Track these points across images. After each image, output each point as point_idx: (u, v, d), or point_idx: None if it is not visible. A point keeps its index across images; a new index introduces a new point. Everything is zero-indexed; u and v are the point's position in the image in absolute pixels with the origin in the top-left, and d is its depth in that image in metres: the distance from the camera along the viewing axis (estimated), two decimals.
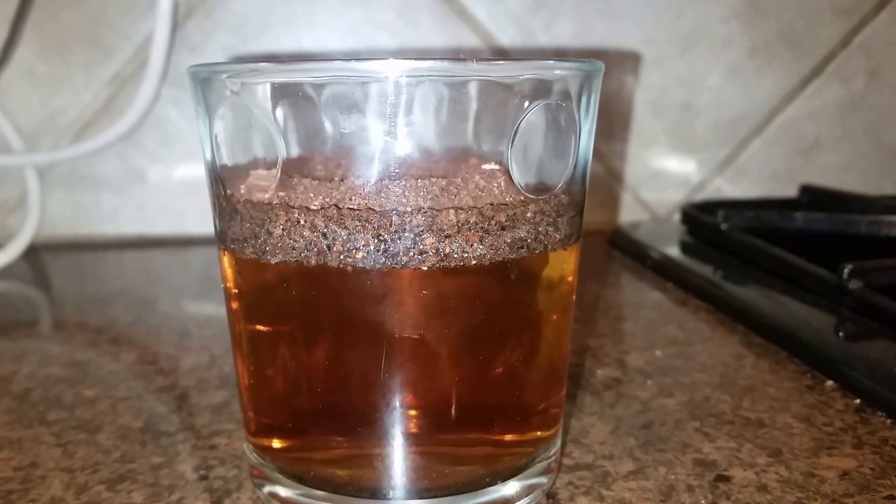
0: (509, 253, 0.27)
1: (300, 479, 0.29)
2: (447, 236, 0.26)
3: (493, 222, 0.27)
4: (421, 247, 0.26)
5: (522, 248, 0.28)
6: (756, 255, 0.59)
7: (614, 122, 0.78)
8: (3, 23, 0.70)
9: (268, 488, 0.31)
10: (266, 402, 0.31)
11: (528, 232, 0.28)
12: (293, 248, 0.27)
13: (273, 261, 0.27)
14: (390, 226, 0.26)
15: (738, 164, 0.81)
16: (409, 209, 0.26)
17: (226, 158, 0.29)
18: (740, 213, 0.65)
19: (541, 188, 0.28)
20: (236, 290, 0.30)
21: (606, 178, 0.79)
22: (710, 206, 0.68)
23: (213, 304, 0.57)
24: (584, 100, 0.29)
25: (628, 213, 0.81)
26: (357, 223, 0.26)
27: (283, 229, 0.27)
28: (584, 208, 0.31)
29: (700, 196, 0.80)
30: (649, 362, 0.45)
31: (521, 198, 0.28)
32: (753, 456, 0.35)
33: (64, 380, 0.43)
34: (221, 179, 0.29)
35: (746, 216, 0.64)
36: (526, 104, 0.27)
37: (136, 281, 0.66)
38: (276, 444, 0.31)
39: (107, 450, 0.35)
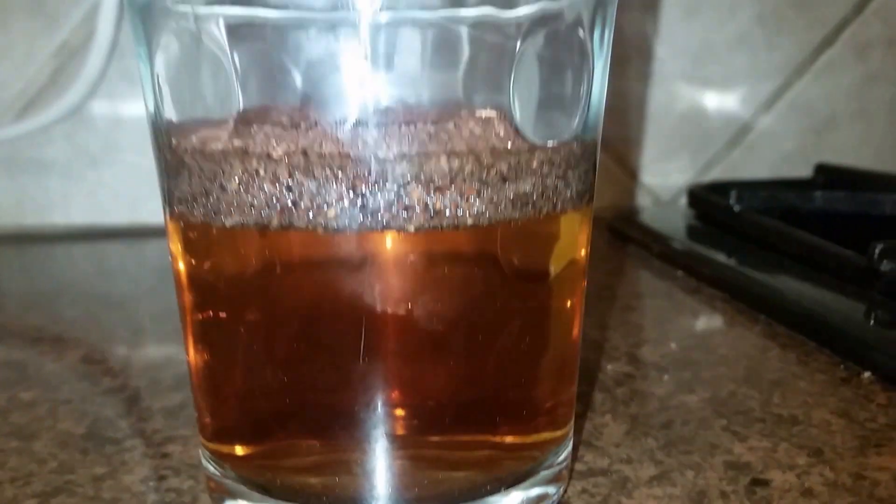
0: (512, 211, 0.23)
1: (266, 489, 0.25)
2: (438, 188, 0.22)
3: (492, 171, 0.22)
4: (406, 201, 0.22)
5: (527, 204, 0.23)
6: (774, 237, 0.56)
7: (612, 98, 0.74)
8: None
9: (228, 503, 0.26)
10: (223, 401, 0.26)
11: (533, 185, 0.23)
12: (251, 206, 0.22)
13: (227, 223, 0.23)
14: (369, 174, 0.21)
15: (746, 143, 0.77)
16: (391, 156, 0.21)
17: (171, 103, 0.24)
18: (755, 194, 0.61)
19: (547, 137, 0.24)
20: (184, 265, 0.25)
21: (604, 159, 0.75)
22: (721, 187, 0.64)
23: (173, 299, 0.52)
24: (597, 29, 0.24)
25: (629, 198, 0.77)
26: (328, 172, 0.21)
27: (238, 183, 0.22)
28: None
29: (705, 179, 0.76)
30: (664, 356, 0.42)
31: (525, 145, 0.23)
32: (792, 456, 0.31)
33: None
34: (166, 128, 0.24)
35: (761, 196, 0.61)
36: (529, 32, 0.23)
37: (87, 275, 0.62)
38: (238, 450, 0.26)
39: (42, 459, 0.31)
